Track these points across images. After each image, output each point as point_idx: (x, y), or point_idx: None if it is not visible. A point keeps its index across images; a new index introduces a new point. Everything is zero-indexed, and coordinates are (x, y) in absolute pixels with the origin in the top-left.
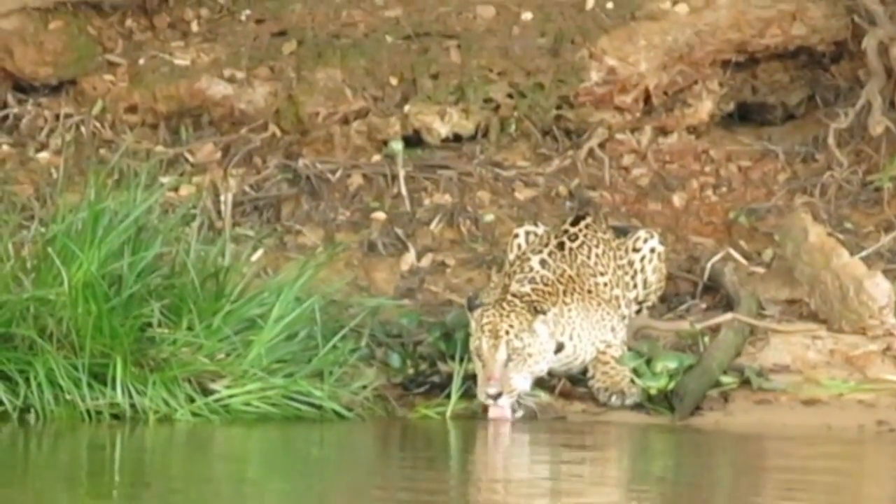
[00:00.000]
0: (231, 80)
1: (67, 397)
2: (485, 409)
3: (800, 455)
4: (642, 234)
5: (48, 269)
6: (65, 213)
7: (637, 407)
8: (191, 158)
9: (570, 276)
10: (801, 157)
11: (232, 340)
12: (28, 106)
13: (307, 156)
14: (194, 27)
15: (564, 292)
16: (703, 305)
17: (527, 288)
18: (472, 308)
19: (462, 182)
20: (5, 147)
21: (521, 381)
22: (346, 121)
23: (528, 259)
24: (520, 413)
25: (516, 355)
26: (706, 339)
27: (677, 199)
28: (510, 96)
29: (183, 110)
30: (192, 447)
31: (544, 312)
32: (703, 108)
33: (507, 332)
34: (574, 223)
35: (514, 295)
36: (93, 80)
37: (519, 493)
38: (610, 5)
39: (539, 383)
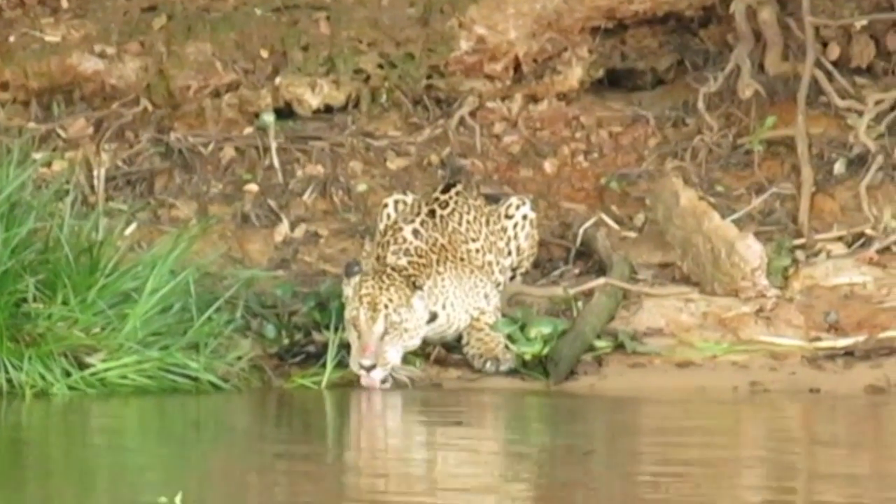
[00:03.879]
0: (102, 55)
1: None
2: (358, 377)
3: (674, 417)
4: (514, 200)
5: None
6: None
7: (512, 373)
8: (63, 134)
9: (443, 245)
10: (671, 122)
11: (107, 314)
12: None
13: (179, 129)
14: (64, 3)
15: (437, 261)
16: (576, 271)
17: (403, 261)
18: (350, 274)
19: (334, 153)
20: None
21: (395, 355)
22: (217, 94)
23: (401, 229)
24: (388, 385)
25: (393, 329)
26: (580, 304)
27: (549, 166)
28: (380, 66)
29: (54, 86)
30: (69, 421)
31: (421, 288)
32: (573, 74)
33: (387, 307)
34: (444, 191)
35: (392, 268)
36: None
37: (396, 460)
38: None
39: (413, 351)
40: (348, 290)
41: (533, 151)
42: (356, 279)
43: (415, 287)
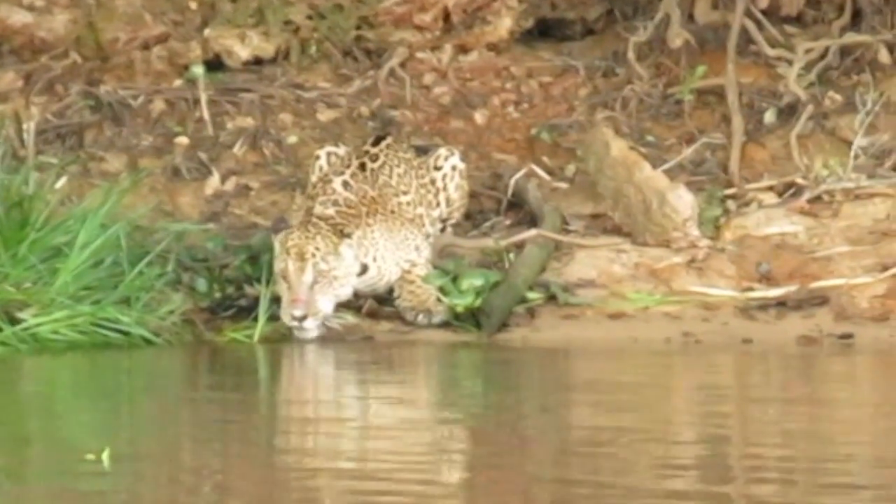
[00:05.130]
0: (31, 8)
1: None
2: (290, 330)
3: (607, 368)
4: (443, 151)
5: None
6: None
7: (444, 325)
8: None
9: (373, 197)
10: (601, 72)
11: (38, 269)
12: None
13: (109, 82)
14: None
15: (367, 213)
16: (508, 222)
17: (331, 210)
18: (277, 230)
19: (264, 105)
20: None
21: (326, 304)
22: (146, 46)
23: (331, 181)
24: (320, 333)
25: (322, 278)
26: (511, 255)
27: (479, 117)
28: (310, 18)
29: None
30: (0, 377)
31: (349, 236)
32: (503, 25)
33: (314, 255)
34: (375, 143)
35: (318, 217)
36: None
37: (328, 412)
38: None
39: (345, 304)
40: (277, 246)
41: (463, 102)
42: (283, 233)
43: (342, 235)
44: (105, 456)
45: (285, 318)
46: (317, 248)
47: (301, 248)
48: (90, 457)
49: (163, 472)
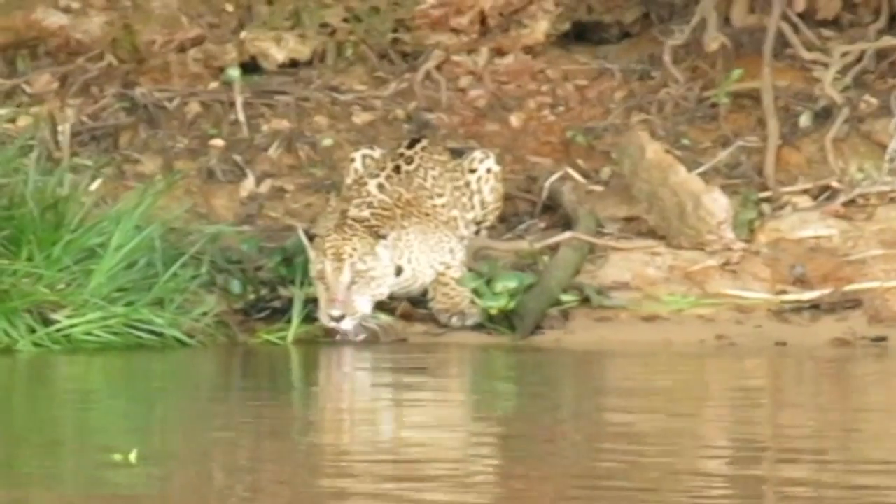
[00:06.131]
0: (67, 10)
1: None
2: (326, 332)
3: (641, 371)
4: (478, 154)
5: None
6: None
7: (478, 327)
8: (28, 89)
9: (408, 200)
10: (637, 75)
11: (72, 270)
12: None
13: (144, 84)
14: None
15: (402, 216)
16: (542, 225)
17: (366, 213)
18: (310, 239)
19: (300, 107)
20: None
21: (364, 304)
22: (182, 48)
23: (366, 183)
24: (362, 336)
25: (360, 278)
26: (545, 258)
27: (515, 120)
28: (346, 20)
29: (19, 41)
30: (33, 378)
31: (385, 237)
32: (539, 28)
33: (351, 255)
34: (410, 146)
35: (354, 219)
36: None
37: (363, 415)
38: None
39: (380, 306)
40: (311, 252)
41: (499, 105)
42: (318, 237)
43: (378, 236)
44: (132, 456)
45: (323, 318)
46: (354, 249)
47: (338, 249)
48: (117, 457)
49: (194, 473)
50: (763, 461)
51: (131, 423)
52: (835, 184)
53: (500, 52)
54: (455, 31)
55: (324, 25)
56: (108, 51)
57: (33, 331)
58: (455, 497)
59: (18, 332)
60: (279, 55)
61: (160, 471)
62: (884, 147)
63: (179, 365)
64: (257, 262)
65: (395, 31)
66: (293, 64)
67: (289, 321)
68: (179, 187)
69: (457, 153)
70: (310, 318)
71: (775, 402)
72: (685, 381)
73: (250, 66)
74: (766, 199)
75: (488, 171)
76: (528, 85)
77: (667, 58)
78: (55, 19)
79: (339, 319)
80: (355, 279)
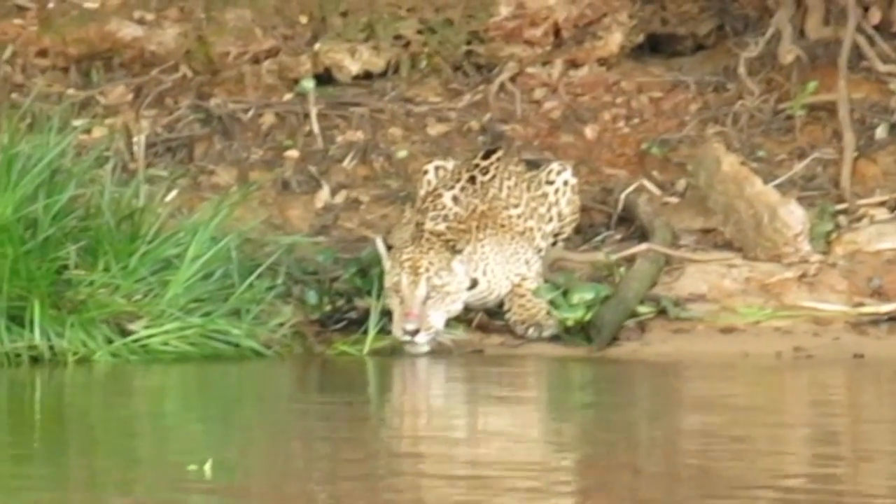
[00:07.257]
0: (141, 21)
1: None
2: (399, 344)
3: (718, 383)
4: (555, 166)
5: None
6: None
7: (554, 339)
8: (103, 101)
9: (483, 211)
10: (712, 87)
11: (149, 281)
12: None
13: (219, 96)
14: None
15: (477, 228)
16: (618, 236)
17: (442, 226)
18: (388, 248)
19: (374, 119)
20: None
21: (438, 319)
22: (256, 60)
23: (441, 195)
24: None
25: (435, 293)
26: (622, 269)
27: (589, 132)
28: (420, 32)
29: (94, 53)
30: (111, 388)
31: (461, 252)
32: (613, 40)
33: (427, 270)
34: (485, 157)
35: (430, 233)
36: (2, 26)
37: (440, 426)
38: None
39: (455, 317)
40: (387, 263)
41: (573, 117)
42: (395, 249)
43: (454, 251)
44: (207, 467)
45: (397, 332)
46: (430, 263)
47: (415, 263)
48: (192, 467)
49: (269, 485)
50: (841, 476)
51: (207, 434)
52: None
53: (574, 64)
54: (529, 42)
55: (398, 37)
56: (183, 62)
57: (110, 341)
58: None
59: (96, 342)
60: (353, 67)
61: (235, 482)
62: None
63: (256, 375)
64: (333, 273)
65: (468, 42)
66: (367, 76)
67: (365, 332)
68: (254, 198)
69: (532, 165)
70: (386, 329)
71: (853, 416)
72: (763, 394)
73: (324, 78)
74: (843, 212)
75: (565, 183)
76: (603, 97)
77: (742, 70)
78: (129, 31)
79: (413, 333)
80: (430, 294)
